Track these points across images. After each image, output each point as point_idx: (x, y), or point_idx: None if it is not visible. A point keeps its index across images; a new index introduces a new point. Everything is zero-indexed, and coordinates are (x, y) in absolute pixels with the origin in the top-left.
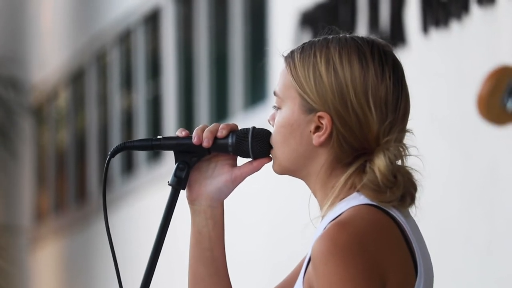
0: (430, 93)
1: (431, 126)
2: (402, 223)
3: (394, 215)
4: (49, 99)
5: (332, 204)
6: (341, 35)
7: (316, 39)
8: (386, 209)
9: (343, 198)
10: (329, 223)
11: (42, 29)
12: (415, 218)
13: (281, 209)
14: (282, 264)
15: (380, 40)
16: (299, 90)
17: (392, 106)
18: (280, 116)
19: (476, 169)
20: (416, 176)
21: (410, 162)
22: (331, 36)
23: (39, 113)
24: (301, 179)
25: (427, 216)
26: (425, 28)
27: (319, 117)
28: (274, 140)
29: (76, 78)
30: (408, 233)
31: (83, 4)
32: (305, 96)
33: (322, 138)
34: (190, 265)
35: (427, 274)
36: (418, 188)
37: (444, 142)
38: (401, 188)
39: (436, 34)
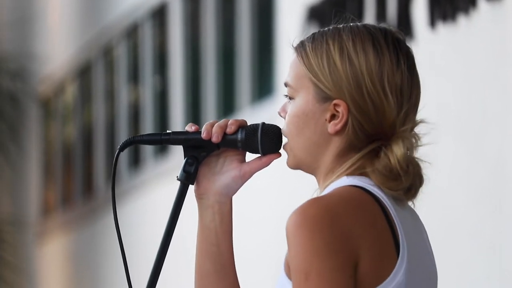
0: (437, 88)
1: (438, 120)
2: (387, 206)
3: (379, 196)
4: (57, 93)
5: (326, 185)
6: (351, 24)
7: (326, 28)
8: (371, 191)
9: (335, 181)
10: None
11: (49, 23)
12: (420, 212)
13: (288, 204)
14: None
15: (392, 28)
16: (313, 79)
17: (407, 94)
18: (293, 106)
19: (482, 163)
20: (424, 170)
21: (420, 154)
22: (341, 25)
23: (46, 107)
24: (312, 172)
25: (434, 210)
26: (432, 23)
27: (335, 105)
28: (288, 131)
29: (84, 73)
30: (393, 216)
31: None
32: (320, 85)
33: (339, 126)
34: (197, 260)
35: (413, 261)
36: (424, 182)
37: (451, 136)
38: (410, 179)
39: (443, 29)
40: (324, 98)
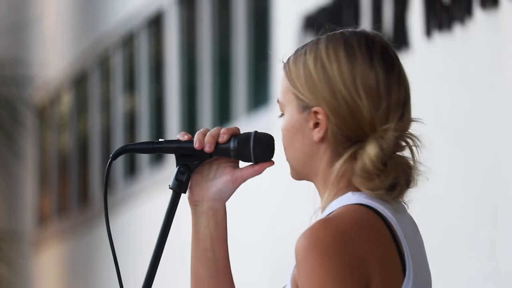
0: (433, 96)
1: (434, 129)
2: (393, 224)
3: (385, 215)
4: (52, 101)
5: (328, 199)
6: (331, 32)
7: (310, 40)
8: (377, 209)
9: (339, 195)
10: None
11: (45, 32)
12: (417, 217)
13: (282, 204)
14: (283, 259)
15: (371, 31)
16: (294, 90)
17: (385, 93)
18: (283, 121)
19: (478, 171)
20: (417, 168)
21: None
22: (323, 35)
23: (42, 116)
24: (312, 181)
25: (430, 215)
26: (428, 32)
27: (315, 112)
28: (283, 145)
29: (79, 81)
30: (399, 234)
31: (87, 7)
32: (299, 95)
33: (321, 133)
34: (192, 266)
35: (417, 277)
36: (413, 180)
37: (447, 145)
38: (390, 177)
39: (439, 38)
40: (305, 107)
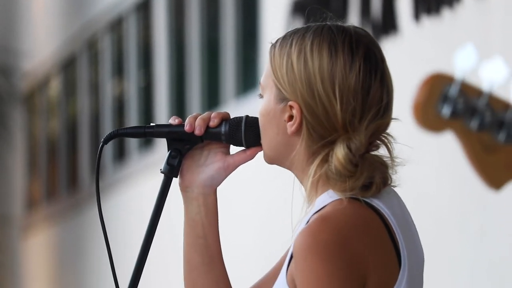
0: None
1: None
2: (387, 216)
3: (378, 208)
4: (41, 87)
5: (313, 196)
6: (321, 24)
7: (300, 27)
8: (370, 201)
9: (325, 190)
10: (312, 215)
11: (33, 17)
12: (408, 208)
13: (274, 199)
14: (276, 255)
15: (359, 29)
16: (274, 79)
17: (362, 96)
18: (261, 104)
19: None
20: (393, 167)
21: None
22: (313, 25)
23: (30, 101)
24: (288, 168)
25: (420, 205)
26: (417, 16)
27: (290, 106)
28: (260, 129)
29: (68, 66)
30: (392, 225)
31: None
32: (278, 85)
33: (294, 127)
34: (184, 252)
35: (411, 265)
36: (389, 178)
37: None
38: (363, 177)
39: (428, 22)
40: (282, 98)
